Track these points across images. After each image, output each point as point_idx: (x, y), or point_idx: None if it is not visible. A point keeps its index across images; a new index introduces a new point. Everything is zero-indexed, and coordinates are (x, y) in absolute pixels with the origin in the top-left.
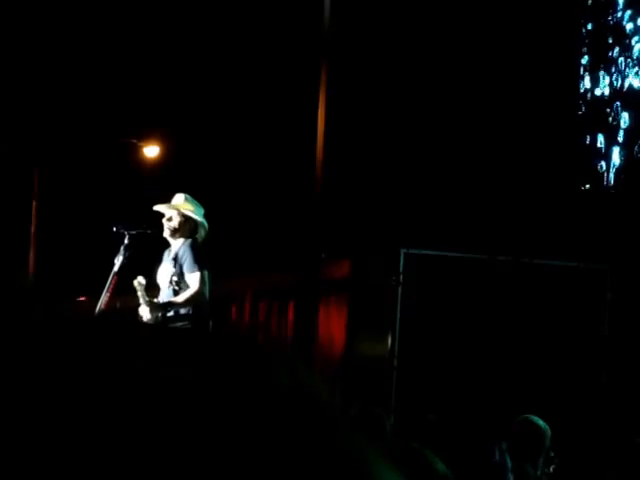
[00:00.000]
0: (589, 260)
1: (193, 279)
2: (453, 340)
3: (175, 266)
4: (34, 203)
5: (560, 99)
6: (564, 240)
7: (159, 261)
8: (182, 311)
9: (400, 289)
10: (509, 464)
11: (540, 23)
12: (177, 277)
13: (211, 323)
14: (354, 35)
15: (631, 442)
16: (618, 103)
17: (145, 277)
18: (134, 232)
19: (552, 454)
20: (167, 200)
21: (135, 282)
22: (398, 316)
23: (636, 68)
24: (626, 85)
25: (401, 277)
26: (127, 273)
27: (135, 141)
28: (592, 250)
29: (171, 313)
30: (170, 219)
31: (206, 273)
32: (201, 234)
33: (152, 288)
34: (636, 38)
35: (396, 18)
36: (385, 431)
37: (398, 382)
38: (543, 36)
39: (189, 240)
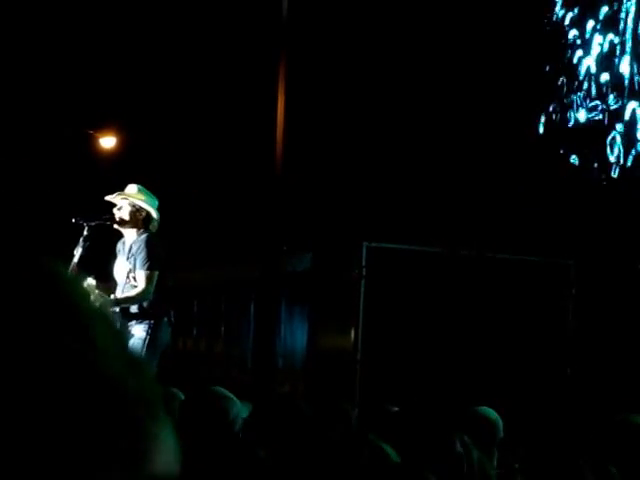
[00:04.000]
0: (554, 255)
1: (141, 277)
2: (417, 334)
3: (131, 261)
4: None
5: (520, 94)
6: (528, 235)
7: (115, 254)
8: (133, 309)
9: (363, 283)
10: (475, 455)
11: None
12: (134, 272)
13: (172, 314)
14: (314, 22)
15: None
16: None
17: (103, 270)
18: (93, 223)
19: (516, 466)
20: (122, 190)
21: (84, 285)
22: (361, 310)
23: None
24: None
25: (364, 271)
26: (87, 265)
27: (91, 132)
28: (557, 245)
29: (121, 309)
30: (120, 208)
31: (157, 273)
32: (154, 225)
33: (109, 281)
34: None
35: (356, 6)
36: (351, 424)
37: (362, 376)
38: (505, 33)
39: (144, 235)
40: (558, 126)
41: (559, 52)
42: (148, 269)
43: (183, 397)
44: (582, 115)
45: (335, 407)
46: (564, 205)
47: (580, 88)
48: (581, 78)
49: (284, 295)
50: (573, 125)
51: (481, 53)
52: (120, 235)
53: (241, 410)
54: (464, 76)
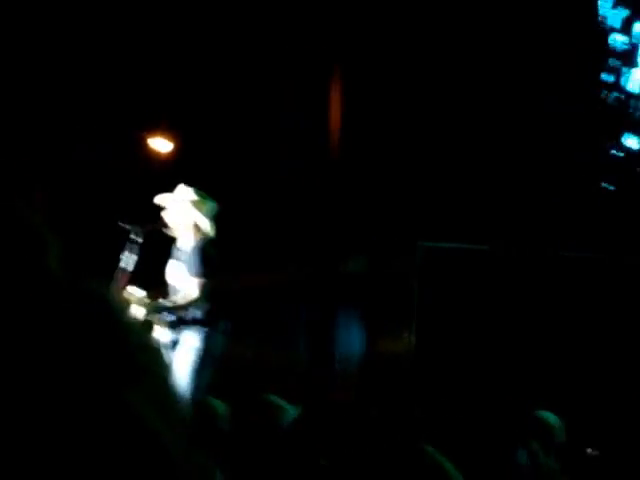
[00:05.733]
0: (621, 252)
1: (193, 284)
2: (474, 336)
3: (183, 267)
4: (39, 196)
5: (581, 94)
6: (593, 231)
7: (168, 258)
8: (187, 316)
9: (417, 283)
10: (542, 461)
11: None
12: (186, 279)
13: (227, 322)
14: (370, 24)
15: None
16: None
17: (154, 274)
18: (143, 227)
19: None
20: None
21: (125, 294)
22: (416, 312)
23: None
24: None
25: (418, 271)
26: (136, 270)
27: (145, 134)
28: (625, 242)
29: (175, 317)
30: (170, 213)
31: (208, 281)
32: (207, 229)
33: (161, 286)
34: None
35: (413, 9)
36: (417, 429)
37: (417, 380)
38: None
39: (197, 241)
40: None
41: (604, 62)
42: (200, 276)
43: (230, 407)
44: (634, 143)
45: (402, 412)
46: (634, 198)
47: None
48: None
49: (339, 298)
50: (620, 157)
51: (527, 57)
52: (174, 239)
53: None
54: (517, 80)
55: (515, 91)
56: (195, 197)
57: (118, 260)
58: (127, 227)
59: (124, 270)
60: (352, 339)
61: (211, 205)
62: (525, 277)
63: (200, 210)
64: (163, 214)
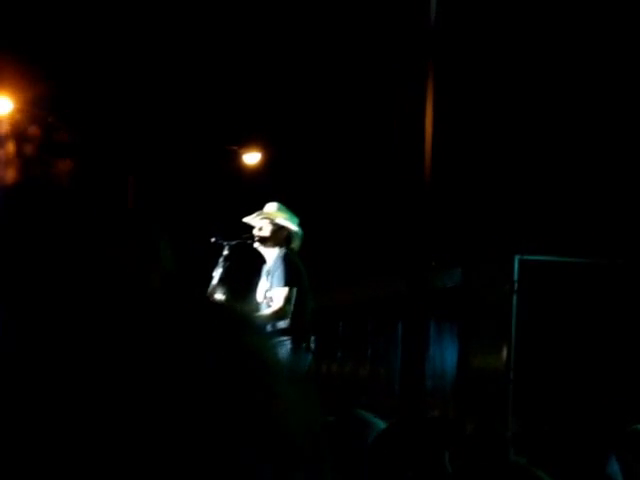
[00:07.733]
0: None
1: (277, 295)
2: (574, 350)
3: (269, 280)
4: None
5: None
6: None
7: (258, 274)
8: (268, 329)
9: (515, 298)
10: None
11: None
12: (271, 291)
13: (313, 339)
14: (462, 26)
15: None
16: None
17: (243, 290)
18: (233, 243)
19: None
20: (261, 209)
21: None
22: (514, 326)
23: None
24: None
25: (516, 285)
26: (226, 285)
27: (235, 148)
28: None
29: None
30: (261, 228)
31: (294, 290)
32: (296, 243)
33: (252, 302)
34: None
35: (506, 12)
36: (507, 449)
37: (515, 395)
38: None
39: (283, 252)
40: None
41: None
42: (285, 286)
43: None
44: None
45: (490, 430)
46: None
47: None
48: None
49: (433, 313)
50: None
51: None
52: (264, 258)
53: None
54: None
55: (619, 102)
56: (281, 212)
57: (211, 277)
58: (221, 242)
59: (215, 285)
60: (447, 356)
61: (295, 219)
62: (627, 290)
63: (286, 225)
64: (255, 232)
